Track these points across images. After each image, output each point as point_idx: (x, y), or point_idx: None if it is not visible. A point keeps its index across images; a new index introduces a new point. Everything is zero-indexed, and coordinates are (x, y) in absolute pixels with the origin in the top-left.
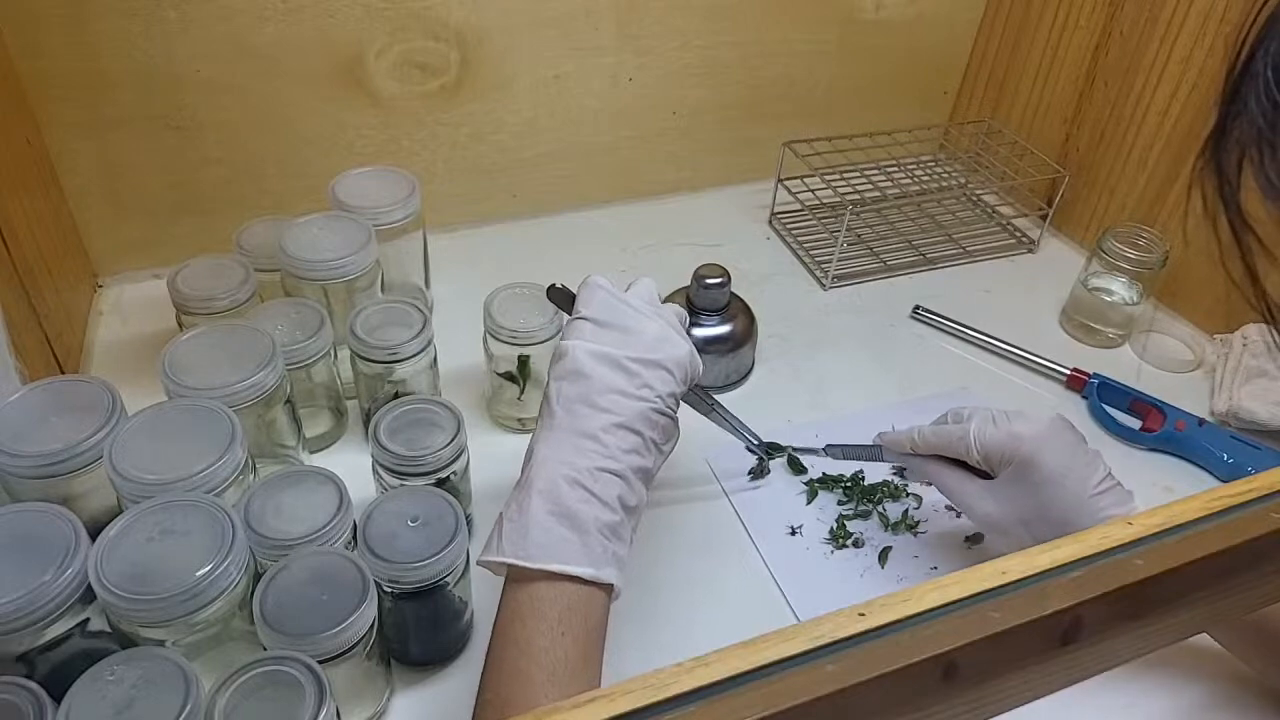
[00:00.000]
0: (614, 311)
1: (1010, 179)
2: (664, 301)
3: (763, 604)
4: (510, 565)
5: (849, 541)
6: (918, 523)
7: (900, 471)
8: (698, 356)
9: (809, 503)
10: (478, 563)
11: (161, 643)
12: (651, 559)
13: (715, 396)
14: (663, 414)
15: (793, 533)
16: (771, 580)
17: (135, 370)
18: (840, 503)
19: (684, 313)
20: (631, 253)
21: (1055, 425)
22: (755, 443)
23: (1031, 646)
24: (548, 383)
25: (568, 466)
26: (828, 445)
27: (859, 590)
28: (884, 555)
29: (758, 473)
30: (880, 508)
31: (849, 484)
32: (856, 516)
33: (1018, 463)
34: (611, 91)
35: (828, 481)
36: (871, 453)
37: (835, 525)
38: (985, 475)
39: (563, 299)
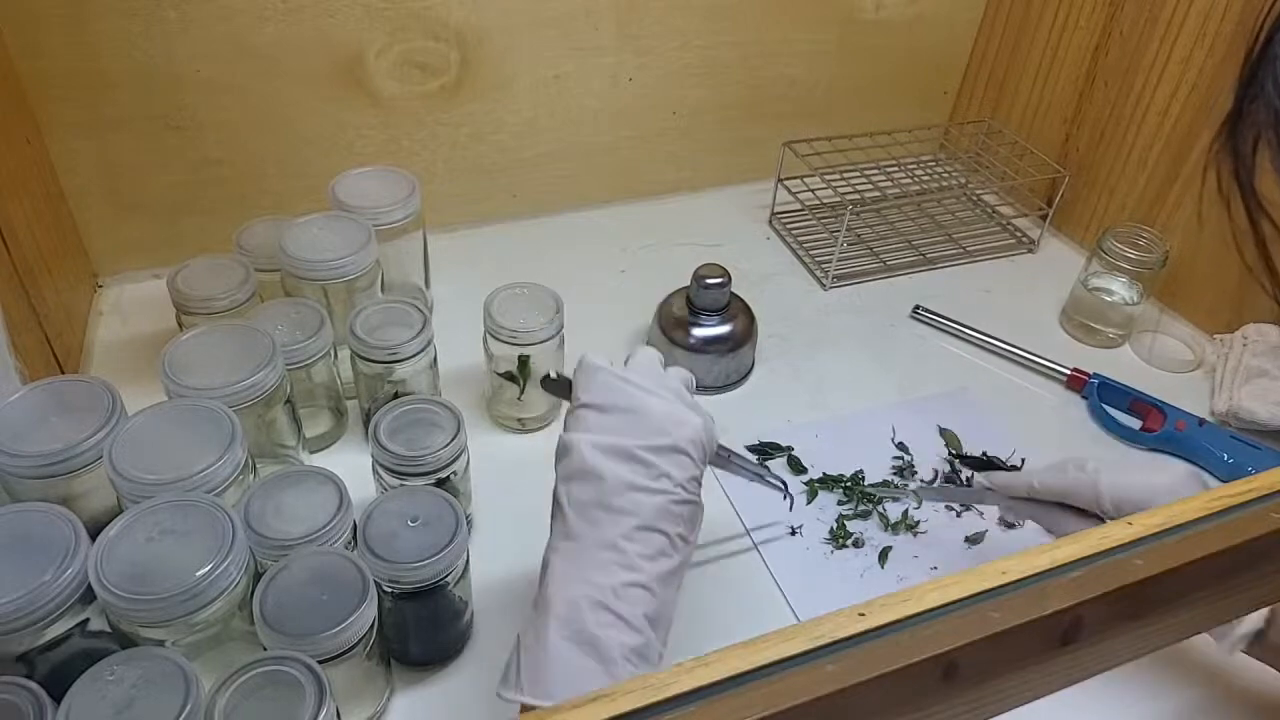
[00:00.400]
0: (616, 394)
1: (1010, 179)
2: (671, 306)
3: (763, 604)
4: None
5: (849, 541)
6: (918, 523)
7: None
8: (713, 424)
9: (809, 502)
10: (497, 695)
11: (161, 643)
12: None
13: (729, 449)
14: (686, 503)
15: (793, 532)
16: (771, 580)
17: (135, 370)
18: (840, 502)
19: (690, 376)
20: (631, 253)
21: (1191, 475)
22: (781, 486)
23: (1031, 646)
24: (555, 483)
25: (588, 586)
26: (921, 487)
27: (859, 590)
28: (884, 555)
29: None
30: (880, 508)
31: (849, 484)
32: (856, 516)
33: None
34: (611, 91)
35: (828, 481)
36: (974, 495)
37: (835, 525)
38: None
39: (560, 388)
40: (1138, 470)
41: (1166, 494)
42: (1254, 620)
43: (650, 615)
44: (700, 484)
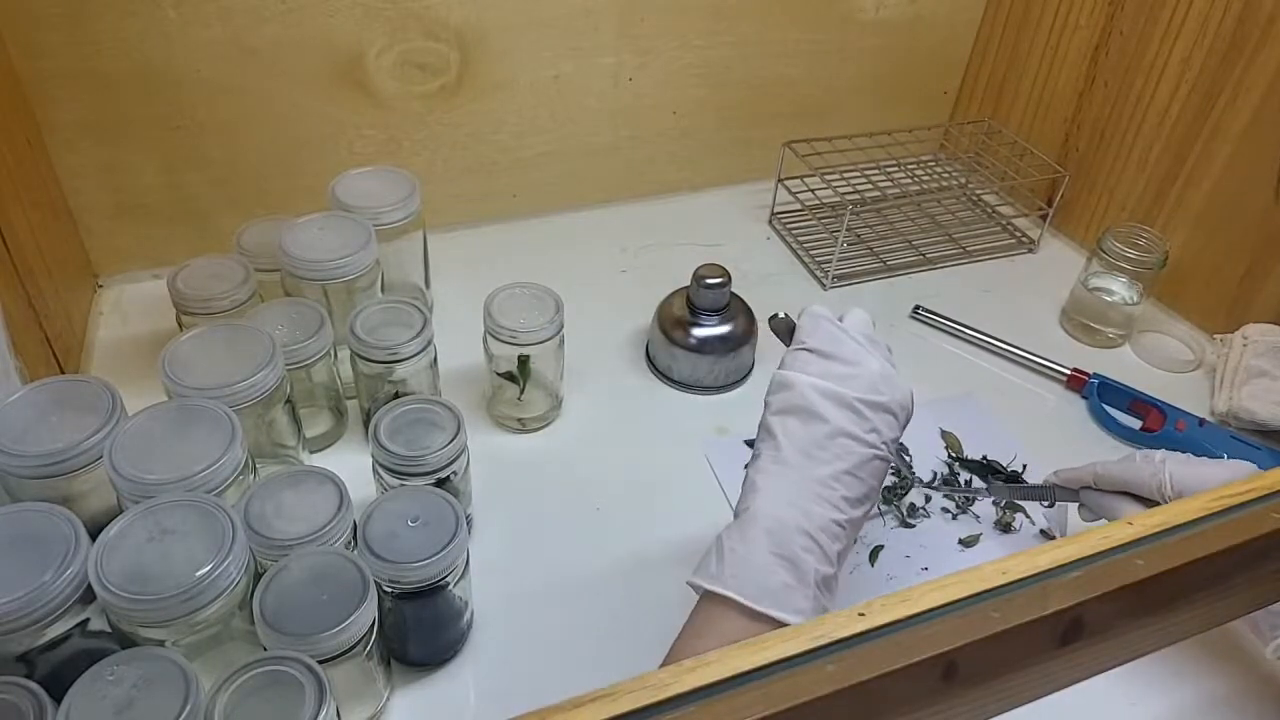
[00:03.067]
0: (841, 344)
1: (1010, 179)
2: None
3: None
4: (731, 599)
5: None
6: (912, 526)
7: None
8: (912, 398)
9: None
10: (687, 582)
11: (161, 643)
12: (645, 555)
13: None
14: (884, 460)
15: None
16: None
17: (135, 370)
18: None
19: (889, 347)
20: (631, 253)
21: (1251, 472)
22: (918, 478)
23: (1032, 646)
24: (767, 413)
25: (798, 512)
26: (992, 485)
27: (847, 587)
28: (874, 554)
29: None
30: (876, 509)
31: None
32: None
33: None
34: (611, 91)
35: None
36: (1042, 492)
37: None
38: None
39: (783, 328)
40: (1206, 464)
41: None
42: None
43: (841, 552)
44: (899, 435)
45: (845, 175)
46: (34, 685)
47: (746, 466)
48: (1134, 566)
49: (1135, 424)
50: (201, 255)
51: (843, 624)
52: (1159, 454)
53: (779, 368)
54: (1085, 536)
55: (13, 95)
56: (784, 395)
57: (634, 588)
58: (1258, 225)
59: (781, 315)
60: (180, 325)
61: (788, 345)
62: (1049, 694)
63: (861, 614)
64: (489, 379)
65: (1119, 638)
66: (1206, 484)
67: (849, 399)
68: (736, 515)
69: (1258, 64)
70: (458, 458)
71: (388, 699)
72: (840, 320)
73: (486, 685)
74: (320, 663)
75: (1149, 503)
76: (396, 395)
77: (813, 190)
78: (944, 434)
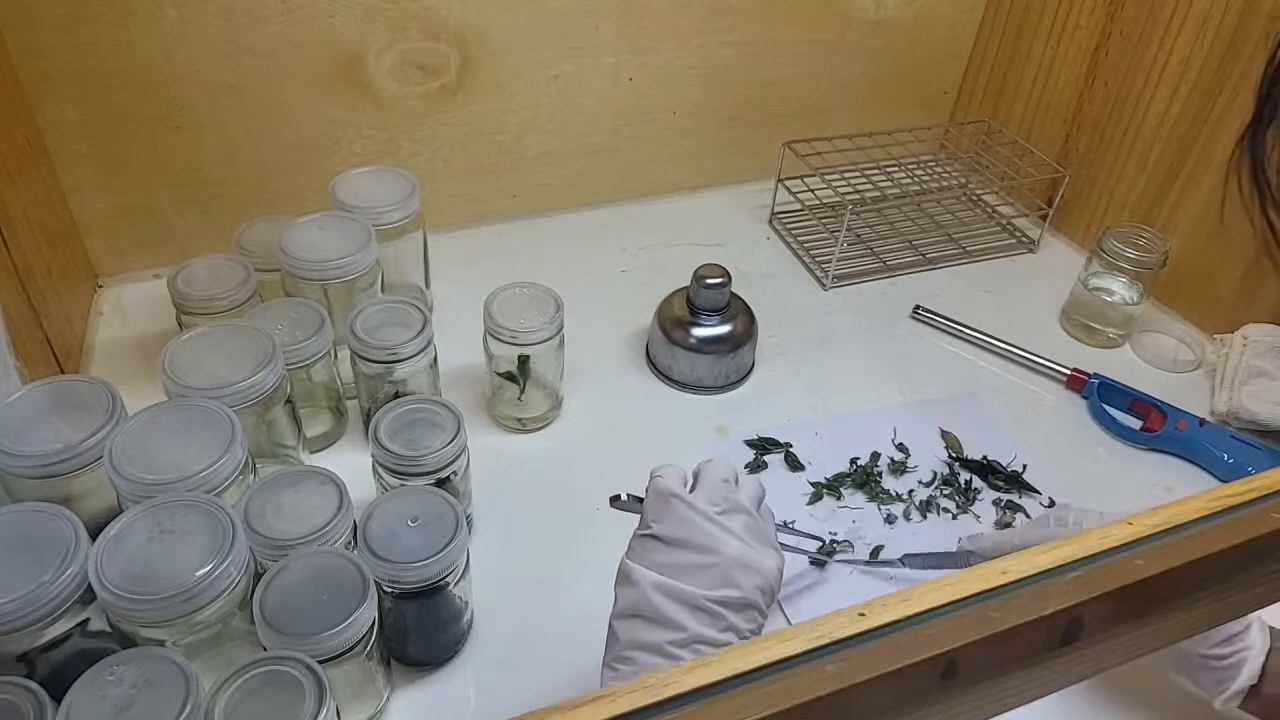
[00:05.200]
0: (689, 528)
1: (1010, 179)
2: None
3: None
4: None
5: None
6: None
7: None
8: (783, 561)
9: (810, 504)
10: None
11: (161, 643)
12: None
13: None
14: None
15: (785, 527)
16: None
17: (135, 370)
18: (836, 499)
19: (761, 492)
20: (631, 253)
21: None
22: (815, 549)
23: (1031, 646)
24: (613, 612)
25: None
26: (906, 556)
27: (848, 587)
28: (875, 554)
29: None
30: (877, 506)
31: (848, 485)
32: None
33: None
34: (611, 91)
35: (834, 486)
36: (958, 559)
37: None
38: None
39: (630, 507)
40: (1111, 517)
41: None
42: (1248, 676)
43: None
44: (765, 620)
45: (845, 175)
46: (34, 685)
47: (605, 662)
48: (1133, 566)
49: (1135, 424)
50: (201, 255)
51: (843, 624)
52: (1072, 513)
53: (625, 552)
54: (1085, 536)
55: (13, 95)
56: (627, 593)
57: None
58: (1258, 225)
59: (623, 496)
60: (180, 325)
61: (638, 523)
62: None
63: (861, 614)
64: (489, 379)
65: (1118, 638)
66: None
67: (697, 599)
68: None
69: (1258, 64)
70: (458, 458)
71: (388, 699)
72: (694, 478)
73: (486, 685)
74: (320, 663)
75: None
76: (396, 395)
77: (813, 190)
78: (944, 434)
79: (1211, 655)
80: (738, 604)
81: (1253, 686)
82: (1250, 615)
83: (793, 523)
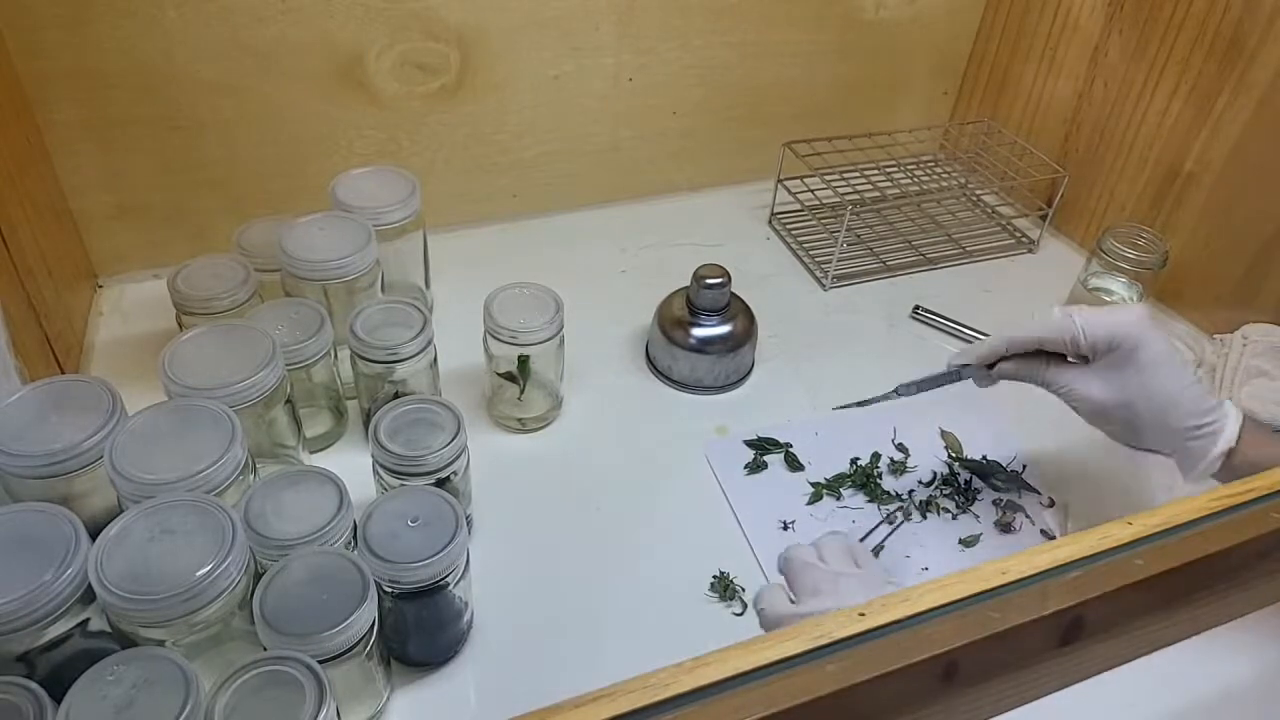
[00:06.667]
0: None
1: (1010, 179)
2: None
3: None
4: None
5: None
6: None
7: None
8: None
9: (809, 504)
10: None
11: (161, 643)
12: (645, 555)
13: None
14: None
15: (785, 527)
16: (762, 575)
17: (135, 370)
18: (836, 499)
19: (857, 548)
20: (631, 253)
21: (1153, 314)
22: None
23: (1031, 646)
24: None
25: None
26: (900, 386)
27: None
28: (875, 554)
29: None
30: (877, 507)
31: (848, 485)
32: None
33: (1127, 345)
34: (611, 91)
35: (834, 486)
36: (952, 376)
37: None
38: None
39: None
40: (1107, 311)
41: (1138, 325)
42: (1226, 440)
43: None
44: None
45: (845, 175)
46: (34, 685)
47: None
48: (1133, 566)
49: None
50: (202, 255)
51: (843, 624)
52: (1069, 308)
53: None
54: (1085, 536)
55: (13, 95)
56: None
57: (634, 588)
58: (1258, 225)
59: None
60: (180, 325)
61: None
62: (1049, 694)
63: (861, 614)
64: (489, 379)
65: (1119, 638)
66: (1115, 326)
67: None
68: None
69: (1258, 64)
70: (458, 458)
71: (388, 699)
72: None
73: (486, 685)
74: (320, 663)
75: (1062, 360)
76: (397, 395)
77: (812, 190)
78: (944, 434)
79: (1192, 426)
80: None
81: (1230, 451)
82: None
83: (793, 522)
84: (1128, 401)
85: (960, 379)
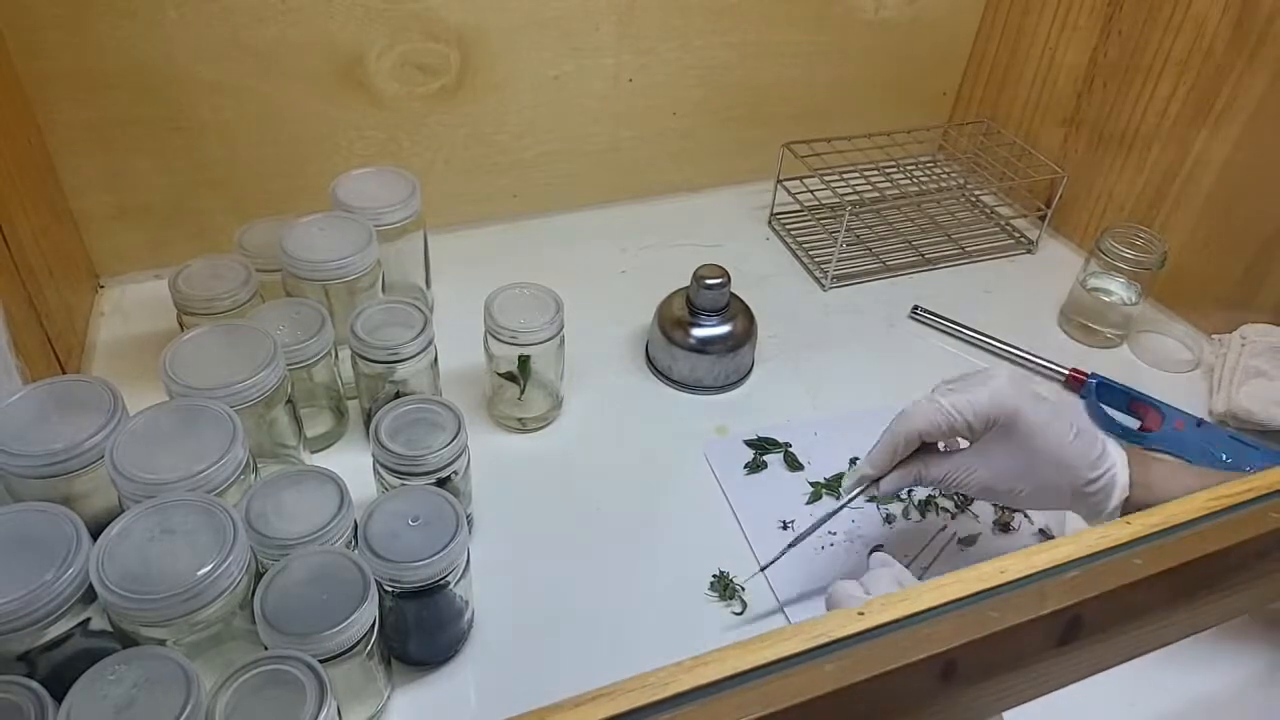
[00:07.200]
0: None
1: (1009, 179)
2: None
3: (751, 598)
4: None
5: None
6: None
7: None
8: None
9: (809, 503)
10: None
11: (162, 642)
12: (645, 555)
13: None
14: None
15: (784, 527)
16: (761, 575)
17: (136, 370)
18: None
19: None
20: (631, 253)
21: (1017, 378)
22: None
23: (1030, 646)
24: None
25: None
26: (795, 540)
27: None
28: (872, 552)
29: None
30: (877, 506)
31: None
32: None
33: (1004, 418)
34: (611, 91)
35: (833, 486)
36: (852, 501)
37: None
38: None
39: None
40: (968, 387)
41: (1011, 396)
42: (1121, 490)
43: None
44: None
45: (844, 176)
46: (35, 685)
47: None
48: (1132, 566)
49: (1134, 424)
50: (202, 255)
51: (842, 624)
52: (934, 394)
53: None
54: (1083, 536)
55: (13, 95)
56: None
57: (634, 587)
58: (1257, 225)
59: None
60: (181, 325)
61: None
62: (1048, 693)
63: (860, 614)
64: (489, 379)
65: (1117, 637)
66: (987, 403)
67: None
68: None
69: (1257, 64)
70: (458, 458)
71: (388, 698)
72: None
73: (486, 685)
74: (321, 662)
75: (936, 451)
76: (397, 395)
77: (812, 191)
78: None
79: (1086, 481)
80: None
81: (1125, 498)
82: (1099, 436)
83: (793, 522)
84: (1018, 473)
85: (873, 500)
